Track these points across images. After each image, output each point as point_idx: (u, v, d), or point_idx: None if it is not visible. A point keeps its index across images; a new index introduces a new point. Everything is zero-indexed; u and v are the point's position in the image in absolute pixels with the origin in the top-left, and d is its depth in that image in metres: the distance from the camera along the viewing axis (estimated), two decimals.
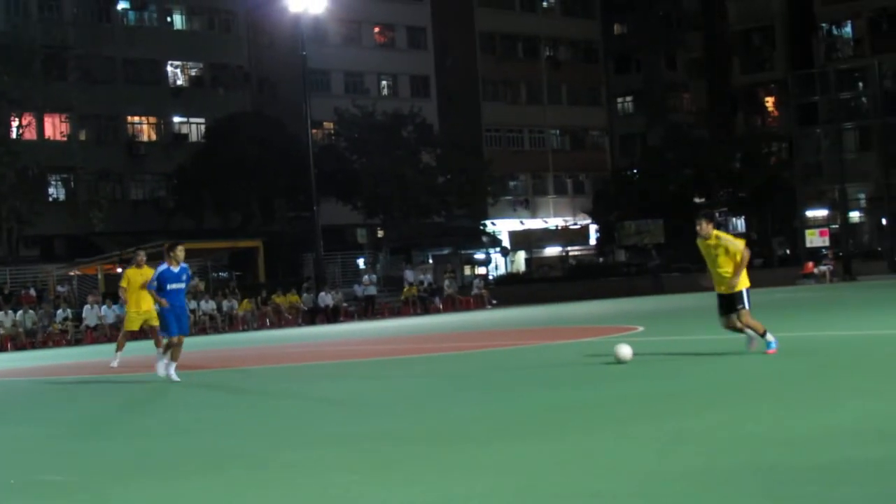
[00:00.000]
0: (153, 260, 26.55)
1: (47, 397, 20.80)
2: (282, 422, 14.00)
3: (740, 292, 17.47)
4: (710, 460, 8.86)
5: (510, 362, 20.55)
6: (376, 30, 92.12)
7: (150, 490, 9.39)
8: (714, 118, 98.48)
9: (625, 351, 17.37)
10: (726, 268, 17.45)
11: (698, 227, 17.76)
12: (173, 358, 20.15)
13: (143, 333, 26.21)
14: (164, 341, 20.67)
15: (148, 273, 22.86)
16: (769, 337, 17.41)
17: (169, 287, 19.96)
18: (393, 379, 19.28)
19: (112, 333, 51.58)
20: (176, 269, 20.09)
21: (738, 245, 17.49)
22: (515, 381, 16.60)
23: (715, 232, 17.65)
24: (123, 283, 25.44)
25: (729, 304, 17.56)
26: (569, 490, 8.16)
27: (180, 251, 20.23)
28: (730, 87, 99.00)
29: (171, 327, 20.15)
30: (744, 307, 17.46)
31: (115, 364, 25.38)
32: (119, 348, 26.03)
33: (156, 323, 22.96)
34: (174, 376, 20.04)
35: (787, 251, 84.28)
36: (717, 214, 18.44)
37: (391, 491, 8.59)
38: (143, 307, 23.94)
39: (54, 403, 19.29)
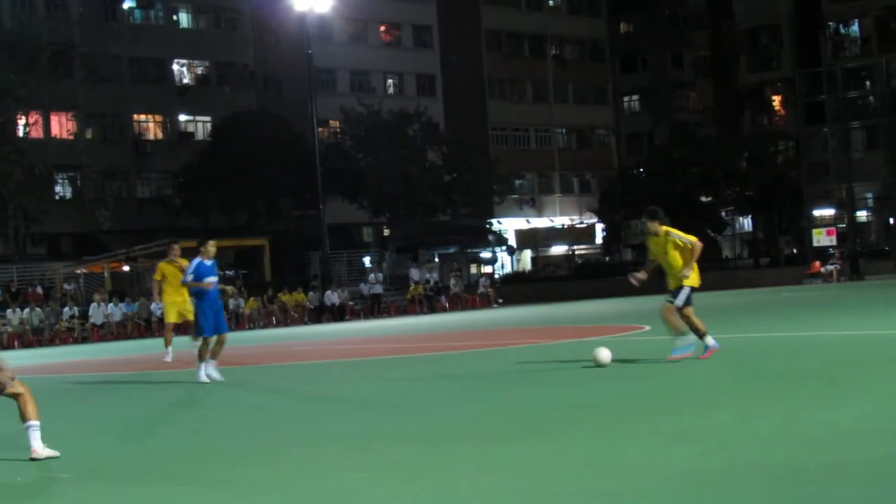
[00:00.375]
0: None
1: (57, 396, 20.82)
2: (288, 420, 14.06)
3: (681, 288, 17.22)
4: (713, 460, 8.88)
5: (515, 361, 20.56)
6: (382, 28, 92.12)
7: (156, 489, 9.45)
8: (721, 117, 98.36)
9: (604, 354, 16.94)
10: (676, 262, 17.29)
11: (645, 227, 17.70)
12: (214, 356, 19.71)
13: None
14: (199, 344, 20.04)
15: (181, 264, 23.11)
16: (679, 342, 17.28)
17: (205, 280, 19.67)
18: (398, 378, 19.29)
19: (119, 331, 51.83)
20: (209, 264, 19.80)
21: (690, 238, 17.34)
22: (520, 380, 16.61)
23: (664, 228, 17.46)
24: (157, 276, 25.84)
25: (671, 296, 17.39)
26: (571, 489, 8.20)
27: (211, 246, 19.92)
28: (736, 86, 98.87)
29: (207, 326, 19.66)
30: (680, 305, 17.24)
31: (168, 359, 25.54)
32: (167, 343, 26.19)
33: (192, 317, 22.95)
34: (216, 375, 19.60)
35: (795, 250, 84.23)
36: (659, 210, 18.13)
37: (395, 489, 8.63)
38: (179, 298, 24.09)
39: (63, 402, 19.31)
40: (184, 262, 23.11)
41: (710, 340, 17.25)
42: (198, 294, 19.95)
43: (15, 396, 11.11)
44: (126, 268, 63.39)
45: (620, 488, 8.07)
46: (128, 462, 11.06)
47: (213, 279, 19.70)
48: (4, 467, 10.86)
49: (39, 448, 11.01)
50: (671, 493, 7.82)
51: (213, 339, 19.81)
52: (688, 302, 17.22)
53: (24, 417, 11.07)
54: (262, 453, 10.94)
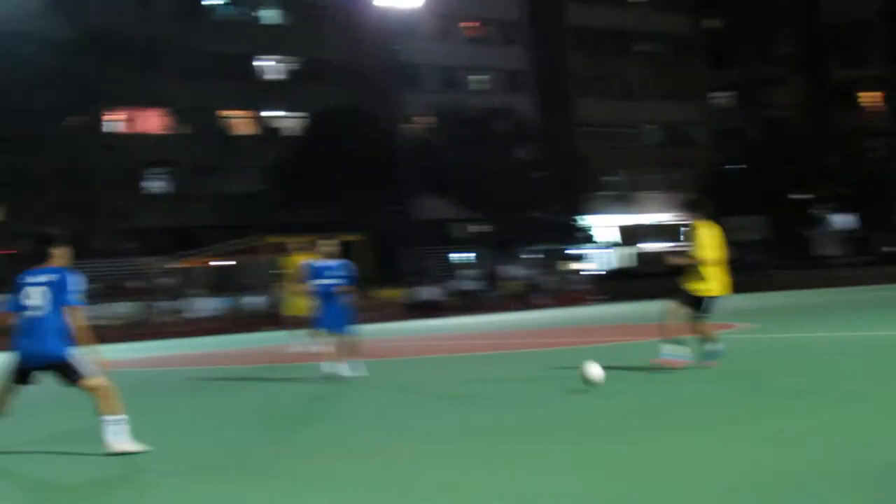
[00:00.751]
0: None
1: (153, 390, 21.00)
2: (385, 415, 14.10)
3: (700, 298, 16.65)
4: (807, 462, 8.82)
5: (611, 359, 20.43)
6: (469, 24, 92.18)
7: (257, 483, 9.52)
8: (811, 113, 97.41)
9: (594, 371, 14.84)
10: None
11: (688, 217, 17.02)
12: (343, 357, 19.44)
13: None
14: (334, 345, 19.65)
15: (297, 259, 23.32)
16: (710, 346, 16.76)
17: (318, 282, 19.53)
18: (494, 374, 19.20)
19: (213, 326, 52.05)
20: (325, 264, 19.65)
21: (700, 248, 16.47)
22: (616, 379, 16.43)
23: (698, 223, 16.72)
24: (287, 268, 26.19)
25: (692, 302, 16.77)
26: (663, 491, 8.14)
27: (322, 246, 19.88)
28: (827, 83, 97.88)
29: (320, 319, 19.66)
30: (707, 316, 16.72)
31: (294, 350, 25.73)
32: (296, 336, 26.35)
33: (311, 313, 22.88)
34: (345, 371, 19.30)
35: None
36: (700, 201, 17.41)
37: (488, 485, 8.64)
38: (301, 293, 24.25)
39: (159, 396, 19.48)
40: (301, 257, 23.30)
41: (674, 349, 16.70)
42: (314, 293, 19.82)
43: (93, 391, 11.26)
44: (220, 262, 63.86)
45: (712, 489, 8.03)
46: (223, 456, 11.14)
47: (327, 282, 19.49)
48: (98, 462, 10.97)
49: (117, 442, 11.18)
50: (765, 495, 7.76)
51: (322, 334, 19.72)
52: (704, 311, 16.73)
53: (101, 411, 11.23)
54: (358, 448, 10.99)
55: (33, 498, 9.77)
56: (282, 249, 32.44)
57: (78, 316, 11.29)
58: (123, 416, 11.24)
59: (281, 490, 9.12)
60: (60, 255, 11.65)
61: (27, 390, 11.69)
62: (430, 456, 10.27)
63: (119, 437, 11.19)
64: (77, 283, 11.43)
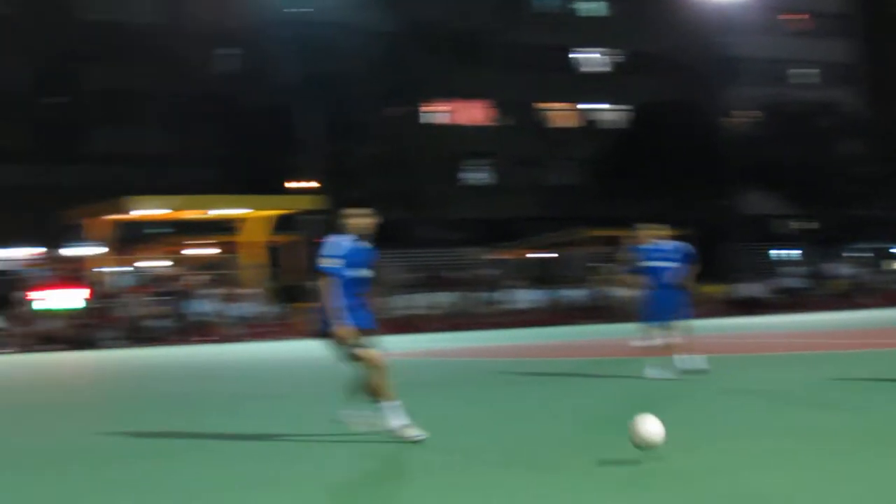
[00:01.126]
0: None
1: (466, 379, 21.03)
2: (697, 413, 13.72)
3: None
4: None
5: None
6: (797, 17, 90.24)
7: (533, 475, 9.23)
8: None
9: (650, 428, 9.62)
10: None
11: None
12: (672, 350, 18.44)
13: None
14: (656, 340, 18.71)
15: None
16: None
17: (648, 265, 18.44)
18: (814, 374, 18.49)
19: (530, 318, 52.12)
20: (655, 246, 18.46)
21: None
22: None
23: None
24: (622, 263, 26.01)
25: None
26: None
27: (642, 231, 18.72)
28: None
29: (647, 312, 18.64)
30: None
31: (640, 344, 25.55)
32: (639, 330, 26.10)
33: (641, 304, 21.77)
34: (688, 364, 18.50)
35: None
36: None
37: (820, 492, 8.16)
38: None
39: (470, 386, 19.50)
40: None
41: None
42: (644, 280, 18.67)
43: (363, 365, 11.13)
44: (538, 254, 64.04)
45: None
46: (510, 449, 10.90)
47: (658, 264, 18.36)
48: (371, 450, 10.91)
49: (396, 426, 11.07)
50: None
51: (656, 328, 18.75)
52: None
53: (372, 395, 11.15)
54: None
55: (311, 482, 9.66)
56: (613, 242, 32.19)
57: (322, 283, 11.04)
58: (395, 403, 11.13)
59: (550, 484, 8.85)
60: (355, 226, 11.34)
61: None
62: (733, 457, 9.79)
63: (371, 420, 11.22)
64: (330, 248, 11.16)
